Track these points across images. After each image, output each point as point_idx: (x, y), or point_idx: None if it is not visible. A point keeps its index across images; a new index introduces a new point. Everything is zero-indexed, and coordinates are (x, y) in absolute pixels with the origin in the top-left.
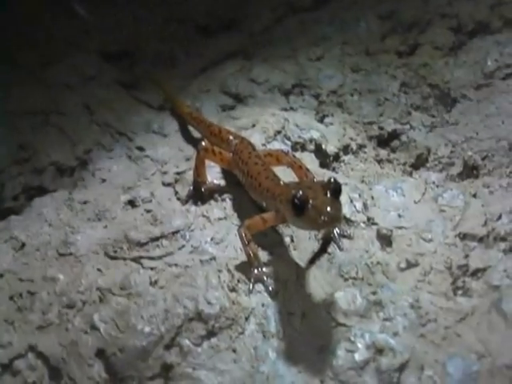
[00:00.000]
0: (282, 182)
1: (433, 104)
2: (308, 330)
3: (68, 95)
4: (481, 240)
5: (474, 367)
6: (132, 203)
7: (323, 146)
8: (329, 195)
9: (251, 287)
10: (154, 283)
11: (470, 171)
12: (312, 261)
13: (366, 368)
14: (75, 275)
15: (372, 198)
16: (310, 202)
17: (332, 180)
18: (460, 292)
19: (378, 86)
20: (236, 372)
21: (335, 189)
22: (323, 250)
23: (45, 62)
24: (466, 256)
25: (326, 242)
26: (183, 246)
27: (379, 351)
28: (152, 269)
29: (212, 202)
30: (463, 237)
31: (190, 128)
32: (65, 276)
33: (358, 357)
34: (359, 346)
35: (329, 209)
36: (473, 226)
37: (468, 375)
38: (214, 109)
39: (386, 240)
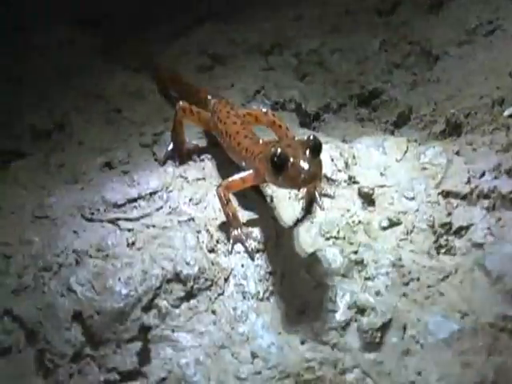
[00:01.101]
0: (261, 141)
1: (414, 62)
2: (288, 290)
3: (44, 60)
4: (464, 198)
5: (457, 326)
6: (109, 165)
7: (303, 106)
8: (309, 153)
9: (230, 248)
10: (131, 245)
11: (453, 129)
12: (292, 220)
13: (347, 328)
14: (51, 238)
15: (353, 156)
16: (290, 160)
17: (312, 138)
18: (443, 250)
19: (359, 45)
20: (215, 333)
21: (315, 146)
22: (304, 209)
23: (19, 26)
24: (449, 214)
25: (306, 201)
26: (161, 207)
27: (361, 311)
28: (129, 230)
29: (190, 162)
30: (446, 195)
31: (168, 89)
32: (40, 239)
33: (339, 317)
34: (340, 305)
35: (308, 167)
36: (455, 183)
37: (451, 334)
38: (192, 70)
39: (367, 199)
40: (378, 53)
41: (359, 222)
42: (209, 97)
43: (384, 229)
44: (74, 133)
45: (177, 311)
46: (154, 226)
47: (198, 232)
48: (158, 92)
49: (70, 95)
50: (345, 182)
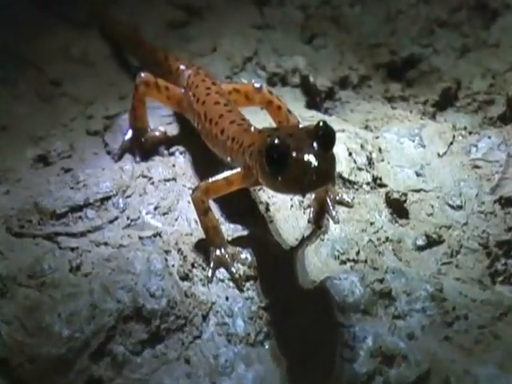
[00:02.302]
0: (252, 128)
1: (465, 18)
2: (290, 331)
3: None
4: None
5: None
6: (44, 159)
7: (311, 79)
8: (317, 145)
9: (211, 274)
10: (75, 269)
11: None
12: (295, 237)
13: (369, 383)
14: None
15: (379, 150)
16: (292, 154)
17: (322, 125)
18: (500, 278)
19: None
20: None
21: (326, 136)
22: (311, 222)
23: None
24: (509, 229)
25: (315, 211)
26: (116, 218)
27: (388, 360)
28: (72, 249)
29: (156, 157)
30: (505, 203)
31: (126, 54)
32: None
33: (359, 368)
34: (361, 353)
35: (317, 164)
36: None
37: None
38: (158, 26)
39: (398, 208)
40: (414, 5)
41: (387, 239)
42: (181, 66)
43: (420, 249)
44: None
45: (138, 360)
46: (106, 244)
47: (167, 252)
48: (110, 57)
49: None
50: (367, 184)
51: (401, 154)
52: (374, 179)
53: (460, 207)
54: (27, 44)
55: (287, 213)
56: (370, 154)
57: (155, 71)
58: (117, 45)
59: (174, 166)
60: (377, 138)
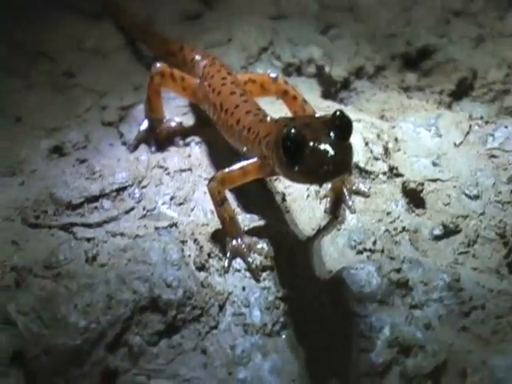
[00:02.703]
0: (268, 118)
1: (481, 8)
2: (306, 321)
3: None
4: None
5: None
6: (59, 150)
7: (327, 69)
8: (334, 135)
9: (227, 264)
10: (91, 260)
11: None
12: (312, 227)
13: (387, 374)
14: None
15: (396, 139)
16: (309, 144)
17: (338, 114)
18: None
19: None
20: (207, 381)
21: (343, 126)
22: (328, 212)
23: None
24: None
25: (331, 201)
26: (132, 209)
27: (405, 350)
28: (89, 240)
29: (171, 147)
30: None
31: (140, 44)
32: None
33: (375, 358)
34: (378, 343)
35: (334, 153)
36: None
37: None
38: (173, 17)
39: (414, 198)
40: None
41: (403, 229)
42: (196, 57)
43: (437, 239)
44: (8, 105)
45: (154, 350)
46: (122, 235)
47: (183, 242)
48: (125, 48)
49: (3, 51)
50: (384, 174)
51: (417, 144)
52: (391, 169)
53: (477, 197)
54: (40, 35)
55: (303, 203)
56: (387, 143)
57: (171, 62)
58: (130, 35)
59: (189, 156)
60: (393, 127)
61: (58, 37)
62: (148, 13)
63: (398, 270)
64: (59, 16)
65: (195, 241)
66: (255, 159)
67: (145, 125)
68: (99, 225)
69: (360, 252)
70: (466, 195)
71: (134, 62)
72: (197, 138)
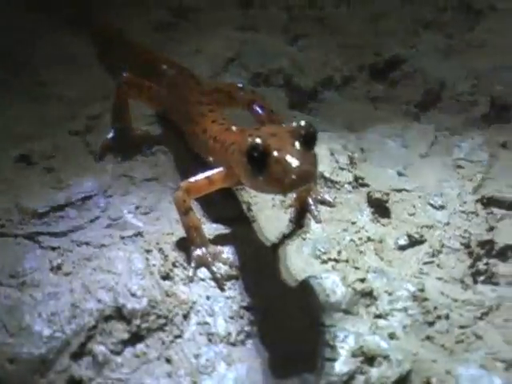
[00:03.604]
0: (234, 128)
1: (450, 19)
2: (271, 331)
3: None
4: (511, 207)
5: (500, 381)
6: (26, 159)
7: (295, 79)
8: (299, 145)
9: (192, 273)
10: (56, 269)
11: (499, 113)
12: (277, 237)
13: (350, 383)
14: None
15: (362, 150)
16: (274, 153)
17: (304, 124)
18: (481, 278)
19: None
20: None
21: (308, 136)
22: (293, 221)
23: None
24: (491, 229)
25: (296, 210)
26: (97, 218)
27: (370, 360)
28: (54, 249)
29: (138, 157)
30: (487, 203)
31: (111, 54)
32: None
33: (340, 367)
34: (342, 352)
35: (299, 163)
36: (501, 187)
37: None
38: (143, 28)
39: (380, 208)
40: (399, 6)
41: (368, 239)
42: (164, 66)
43: (402, 248)
44: None
45: (118, 359)
46: (87, 244)
47: (148, 252)
48: (97, 58)
49: None
50: (349, 184)
51: (383, 154)
52: (356, 179)
53: (442, 207)
54: (16, 45)
55: (269, 212)
56: (352, 153)
57: (139, 71)
58: (102, 45)
59: (155, 165)
60: (359, 138)
61: (35, 46)
62: (120, 23)
63: (363, 280)
64: (36, 26)
65: (160, 250)
66: (221, 169)
67: (112, 134)
68: (64, 234)
69: (325, 261)
70: (432, 205)
71: (104, 71)
72: (163, 148)
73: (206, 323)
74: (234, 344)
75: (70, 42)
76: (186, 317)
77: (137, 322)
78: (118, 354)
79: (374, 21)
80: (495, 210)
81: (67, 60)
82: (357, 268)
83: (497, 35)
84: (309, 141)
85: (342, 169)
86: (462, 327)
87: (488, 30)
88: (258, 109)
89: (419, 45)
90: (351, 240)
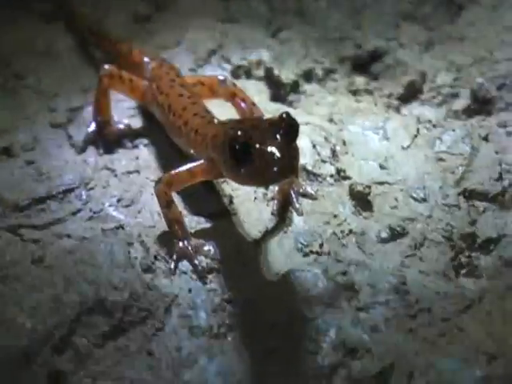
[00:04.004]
0: (216, 121)
1: (431, 11)
2: (252, 324)
3: None
4: (493, 200)
5: (481, 373)
6: (7, 152)
7: (276, 72)
8: (281, 137)
9: (173, 266)
10: (37, 261)
11: (481, 105)
12: (259, 230)
13: (333, 376)
14: None
15: (343, 142)
16: (256, 146)
17: (285, 116)
18: (464, 271)
19: None
20: (152, 383)
21: (290, 128)
22: (275, 214)
23: None
24: (473, 222)
25: (278, 203)
26: (79, 211)
27: (351, 353)
28: (35, 242)
29: (119, 149)
30: (469, 195)
31: (90, 46)
32: None
33: (322, 361)
34: (324, 345)
35: (281, 156)
36: (483, 180)
37: None
38: (122, 19)
39: (362, 200)
40: None
41: (350, 231)
42: (145, 58)
43: (384, 241)
44: None
45: (100, 352)
46: (68, 237)
47: (130, 244)
48: (75, 50)
49: None
50: (331, 177)
51: (365, 147)
52: (338, 172)
53: (424, 200)
54: None
55: (251, 205)
56: (334, 146)
57: (119, 64)
58: (81, 37)
59: (137, 158)
60: (341, 130)
61: (8, 38)
62: (98, 15)
63: (345, 273)
64: (9, 17)
65: (142, 243)
66: (202, 161)
67: (93, 127)
68: (46, 226)
69: (307, 254)
70: (414, 198)
71: (84, 64)
72: (145, 140)
73: (188, 316)
74: (215, 337)
75: (45, 34)
76: (167, 310)
77: (118, 314)
78: (100, 346)
79: (355, 13)
80: (477, 203)
81: (43, 52)
82: (339, 261)
83: (478, 28)
84: (291, 133)
85: (324, 161)
86: (444, 320)
87: (469, 23)
88: (239, 102)
89: (400, 37)
90: (333, 233)
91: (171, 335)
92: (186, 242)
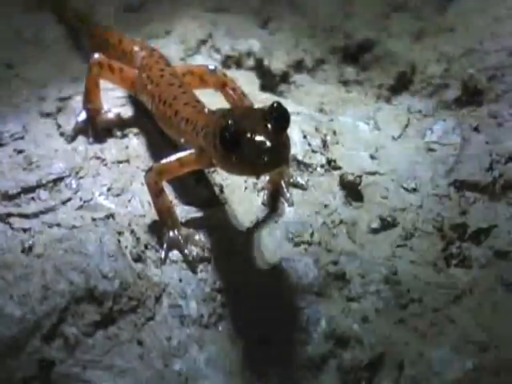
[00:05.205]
0: (206, 110)
1: (420, 3)
2: (243, 313)
3: None
4: (484, 190)
5: (472, 363)
6: None
7: (266, 62)
8: (272, 127)
9: (164, 255)
10: (27, 250)
11: (471, 96)
12: (250, 219)
13: (323, 366)
14: None
15: (334, 132)
16: (246, 135)
17: (276, 106)
18: (454, 261)
19: None
20: (142, 372)
21: (280, 117)
22: (265, 204)
23: None
24: (463, 212)
25: (269, 193)
26: (69, 200)
27: (342, 343)
28: (25, 230)
29: (109, 138)
30: (460, 186)
31: (80, 36)
32: None
33: (312, 351)
34: (314, 335)
35: (271, 145)
36: (473, 170)
37: (465, 374)
38: (112, 9)
39: (352, 191)
40: None
41: (341, 221)
42: (135, 48)
43: (375, 232)
44: None
45: (90, 341)
46: (58, 226)
47: (120, 234)
48: (64, 39)
49: None
50: (322, 167)
51: (355, 137)
52: (329, 162)
53: (414, 190)
54: None
55: (241, 195)
56: (325, 136)
57: (109, 53)
58: (70, 27)
59: (127, 147)
60: (331, 120)
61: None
62: (88, 4)
63: (336, 263)
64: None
65: (132, 232)
66: (193, 150)
67: (83, 116)
68: (36, 215)
69: (297, 244)
70: (404, 188)
71: (74, 53)
72: (135, 130)
73: (178, 306)
74: (206, 326)
75: (33, 23)
76: (158, 299)
77: (109, 304)
78: (90, 335)
79: (345, 3)
80: (468, 194)
81: (32, 41)
82: (329, 251)
83: (468, 19)
84: (281, 123)
85: (315, 151)
86: (434, 310)
87: (459, 14)
88: (229, 91)
89: (390, 28)
90: (324, 223)
91: (162, 324)
92: (176, 232)
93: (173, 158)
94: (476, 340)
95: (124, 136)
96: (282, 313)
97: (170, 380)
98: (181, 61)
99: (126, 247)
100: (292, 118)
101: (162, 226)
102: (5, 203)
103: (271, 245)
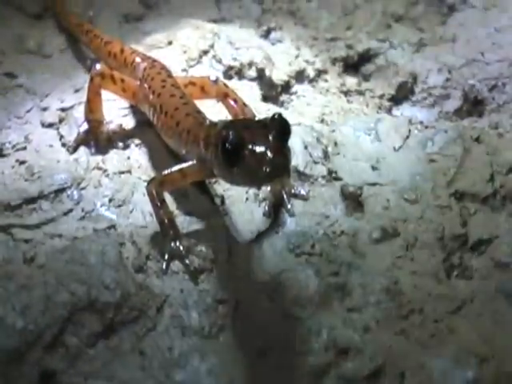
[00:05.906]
0: (208, 121)
1: (422, 13)
2: (245, 324)
3: None
4: (485, 201)
5: (472, 374)
6: None
7: (268, 72)
8: (273, 138)
9: (165, 266)
10: (29, 261)
11: (472, 107)
12: (251, 230)
13: (325, 376)
14: None
15: (335, 143)
16: (248, 146)
17: (277, 117)
18: (455, 272)
19: None
20: (144, 382)
21: (282, 129)
22: (267, 215)
23: None
24: (464, 223)
25: (270, 204)
26: (70, 210)
27: (343, 353)
28: (26, 241)
29: (111, 149)
30: (460, 197)
31: (82, 46)
32: None
33: (314, 361)
34: (315, 346)
35: (272, 156)
36: (474, 181)
37: None
38: (114, 19)
39: (353, 201)
40: None
41: (342, 232)
42: (137, 59)
43: (375, 242)
44: None
45: (91, 352)
46: (60, 236)
47: (121, 245)
48: (67, 49)
49: None
50: (323, 178)
51: (357, 148)
52: (330, 172)
53: (415, 201)
54: None
55: (242, 206)
56: (326, 147)
57: (111, 64)
58: (72, 37)
59: (129, 158)
60: (333, 131)
61: (1, 37)
62: (90, 14)
63: (336, 274)
64: (3, 18)
65: (134, 243)
66: (194, 161)
67: (84, 126)
68: (37, 226)
69: (298, 255)
70: (405, 199)
71: (76, 63)
72: (136, 140)
73: (180, 316)
74: (207, 337)
75: (35, 33)
76: (159, 310)
77: (110, 314)
78: (91, 346)
79: (346, 14)
80: (469, 204)
81: (35, 51)
82: (330, 261)
83: (469, 29)
84: (283, 134)
85: (316, 162)
86: (435, 321)
87: (460, 24)
88: (231, 102)
89: (391, 38)
90: (325, 234)
91: (163, 335)
92: (177, 242)
93: (174, 168)
94: (477, 351)
95: (126, 147)
96: (283, 323)
97: None
98: (182, 71)
99: (128, 258)
100: (293, 128)
101: (163, 236)
102: (7, 214)
103: (272, 255)
